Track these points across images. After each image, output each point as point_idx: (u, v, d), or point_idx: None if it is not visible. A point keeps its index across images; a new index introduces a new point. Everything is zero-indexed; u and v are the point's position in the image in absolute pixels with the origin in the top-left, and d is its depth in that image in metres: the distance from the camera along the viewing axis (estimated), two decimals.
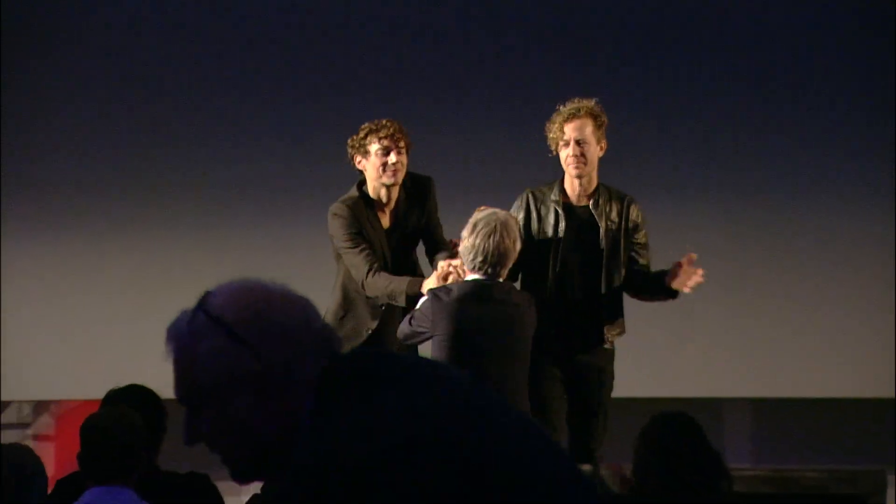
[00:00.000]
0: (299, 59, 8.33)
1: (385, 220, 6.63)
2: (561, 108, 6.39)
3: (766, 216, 8.12)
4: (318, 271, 7.08)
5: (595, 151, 6.39)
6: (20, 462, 4.08)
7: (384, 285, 6.43)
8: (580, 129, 6.35)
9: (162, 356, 7.27)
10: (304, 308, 2.30)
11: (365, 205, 6.57)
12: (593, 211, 6.40)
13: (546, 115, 6.38)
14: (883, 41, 8.07)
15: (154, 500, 4.67)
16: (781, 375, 7.99)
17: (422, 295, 6.15)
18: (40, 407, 8.55)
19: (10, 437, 8.27)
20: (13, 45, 8.35)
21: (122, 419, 4.66)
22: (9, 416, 8.55)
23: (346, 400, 2.22)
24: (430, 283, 6.25)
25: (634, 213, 6.43)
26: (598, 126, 6.37)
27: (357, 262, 6.51)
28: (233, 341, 2.23)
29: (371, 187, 6.60)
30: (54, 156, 8.40)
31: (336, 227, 6.55)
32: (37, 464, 4.05)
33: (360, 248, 6.50)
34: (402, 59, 8.25)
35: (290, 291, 2.31)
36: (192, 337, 2.24)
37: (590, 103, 6.41)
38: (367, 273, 6.47)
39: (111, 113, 8.40)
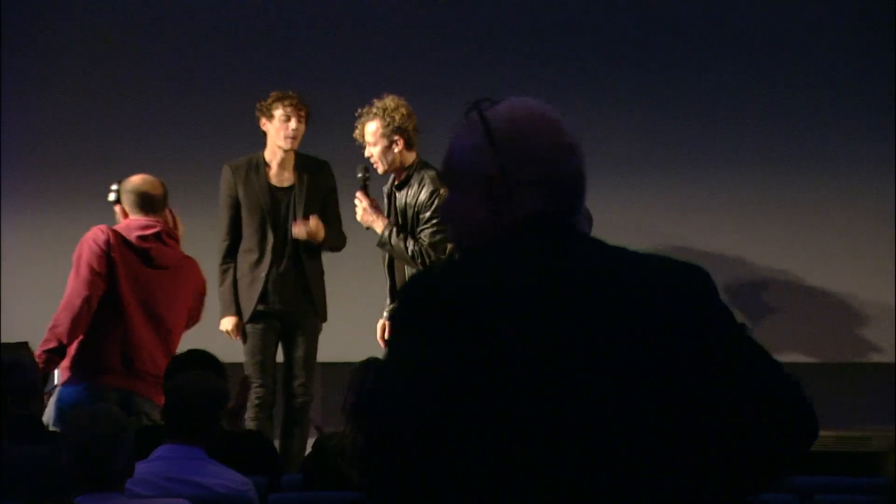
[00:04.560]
0: (309, 36, 8.42)
1: (281, 180, 7.24)
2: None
3: (757, 186, 8.24)
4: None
5: (381, 147, 6.91)
6: (118, 418, 4.40)
7: (220, 289, 7.25)
8: (365, 133, 6.95)
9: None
10: (567, 153, 2.35)
11: (255, 165, 7.25)
12: (396, 192, 7.01)
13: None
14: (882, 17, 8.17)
15: (217, 456, 4.91)
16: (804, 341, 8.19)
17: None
18: None
19: None
20: (14, 22, 8.39)
21: (206, 388, 4.93)
22: None
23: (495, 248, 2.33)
24: (225, 323, 7.17)
25: (424, 193, 6.90)
26: (385, 124, 6.89)
27: (221, 240, 7.30)
28: (487, 142, 2.34)
29: (269, 149, 7.27)
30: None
31: (220, 189, 7.30)
32: (127, 421, 4.37)
33: (226, 230, 7.28)
34: (403, 58, 8.33)
35: (564, 137, 2.35)
36: (462, 127, 2.37)
37: (383, 102, 6.92)
38: (220, 265, 7.28)
39: (130, 82, 8.43)
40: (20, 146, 8.46)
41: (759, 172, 8.26)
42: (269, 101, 7.23)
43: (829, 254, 8.27)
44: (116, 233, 6.51)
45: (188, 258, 6.70)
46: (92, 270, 6.40)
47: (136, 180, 6.62)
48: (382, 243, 6.93)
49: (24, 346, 5.66)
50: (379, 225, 6.93)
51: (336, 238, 7.30)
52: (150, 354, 6.42)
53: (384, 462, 2.18)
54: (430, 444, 2.16)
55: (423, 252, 6.83)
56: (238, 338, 7.24)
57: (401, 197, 6.99)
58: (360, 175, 7.02)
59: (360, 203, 6.97)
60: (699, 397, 2.27)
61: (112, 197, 6.65)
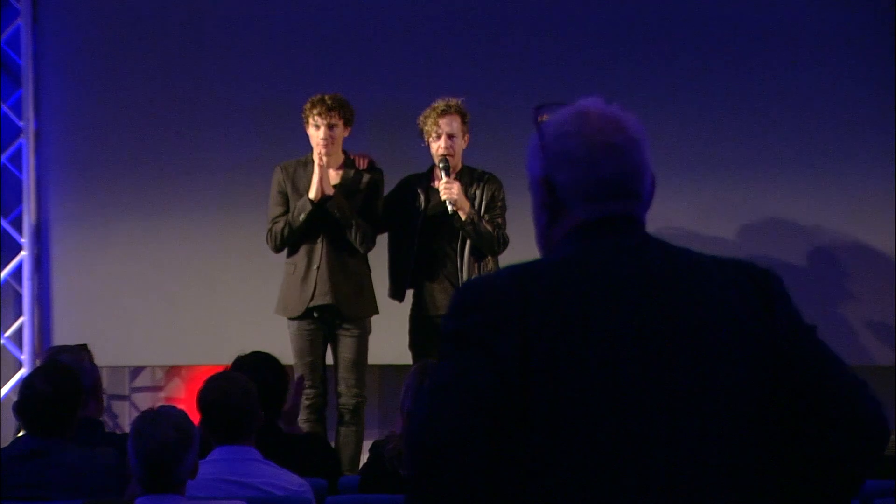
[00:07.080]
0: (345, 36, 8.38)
1: (329, 177, 7.22)
2: (434, 104, 7.21)
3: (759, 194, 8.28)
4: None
5: (459, 141, 7.23)
6: (184, 423, 4.41)
7: (285, 218, 7.23)
8: (442, 124, 7.17)
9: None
10: (611, 154, 2.34)
11: (304, 163, 7.29)
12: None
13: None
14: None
15: (276, 458, 4.92)
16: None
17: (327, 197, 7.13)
18: (171, 372, 8.73)
19: (144, 399, 8.61)
20: (61, 25, 8.43)
21: (232, 387, 4.95)
22: (143, 380, 8.75)
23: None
24: (313, 190, 7.11)
25: (489, 190, 7.22)
26: (465, 121, 7.21)
27: (268, 223, 7.29)
28: (539, 146, 2.37)
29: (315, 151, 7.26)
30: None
31: (271, 189, 7.35)
32: (193, 426, 4.39)
33: (275, 214, 7.29)
34: (406, 55, 8.33)
35: (610, 137, 2.34)
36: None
37: (457, 101, 7.20)
38: (269, 227, 7.28)
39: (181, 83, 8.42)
40: (73, 149, 8.48)
41: (759, 172, 8.25)
42: (307, 107, 7.26)
43: (828, 255, 8.24)
44: None
45: None
46: None
47: None
48: (466, 223, 7.14)
49: (83, 349, 5.69)
50: (466, 208, 7.16)
51: (367, 229, 7.25)
52: None
53: (424, 473, 2.18)
54: (470, 456, 2.16)
55: (500, 237, 7.17)
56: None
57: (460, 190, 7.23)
58: (441, 165, 7.22)
59: (455, 184, 7.18)
60: (762, 398, 2.25)
61: None
